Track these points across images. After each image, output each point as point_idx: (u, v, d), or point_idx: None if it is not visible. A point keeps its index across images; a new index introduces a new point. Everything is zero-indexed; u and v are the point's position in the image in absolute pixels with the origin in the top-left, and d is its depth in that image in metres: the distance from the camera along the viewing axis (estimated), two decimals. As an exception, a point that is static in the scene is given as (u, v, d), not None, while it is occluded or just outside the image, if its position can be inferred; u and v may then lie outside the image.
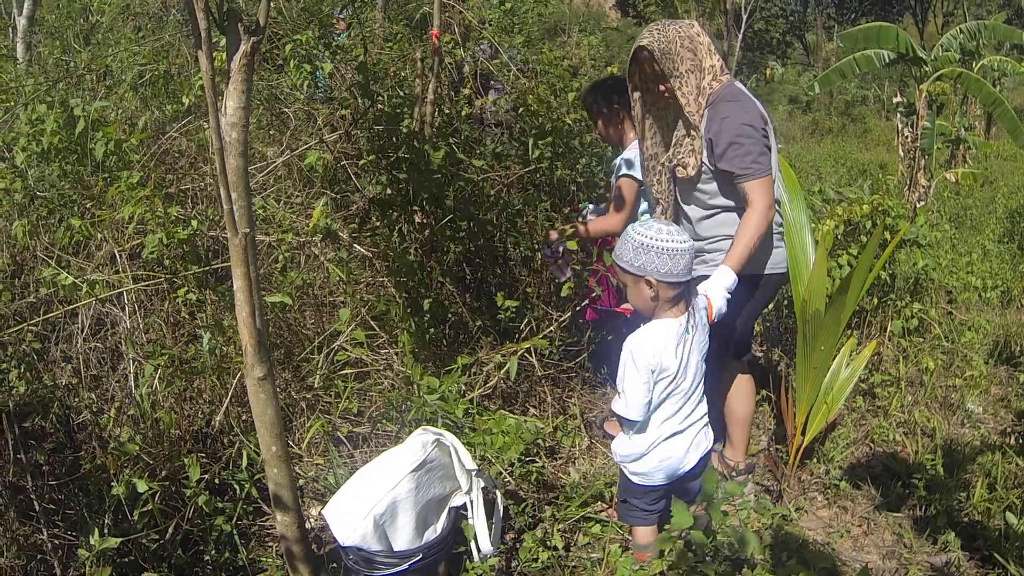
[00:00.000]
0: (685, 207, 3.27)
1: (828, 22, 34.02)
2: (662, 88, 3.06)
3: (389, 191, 3.15)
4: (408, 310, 3.18)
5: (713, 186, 3.10)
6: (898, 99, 10.43)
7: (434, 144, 3.25)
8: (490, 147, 4.66)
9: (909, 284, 4.85)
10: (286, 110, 4.34)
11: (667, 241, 2.39)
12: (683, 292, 2.49)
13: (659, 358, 2.44)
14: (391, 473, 2.47)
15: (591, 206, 3.95)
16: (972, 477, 3.87)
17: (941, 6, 34.39)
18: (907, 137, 9.94)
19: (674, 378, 2.48)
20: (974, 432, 4.59)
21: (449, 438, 2.41)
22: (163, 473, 2.80)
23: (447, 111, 4.75)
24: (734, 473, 3.66)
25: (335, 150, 3.57)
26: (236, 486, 2.93)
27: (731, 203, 3.13)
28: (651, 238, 2.39)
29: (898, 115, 10.44)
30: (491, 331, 3.85)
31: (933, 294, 5.15)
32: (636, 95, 3.20)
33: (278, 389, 3.38)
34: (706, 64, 2.99)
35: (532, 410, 3.80)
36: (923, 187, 9.25)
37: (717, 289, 2.85)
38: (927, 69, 9.76)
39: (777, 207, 3.11)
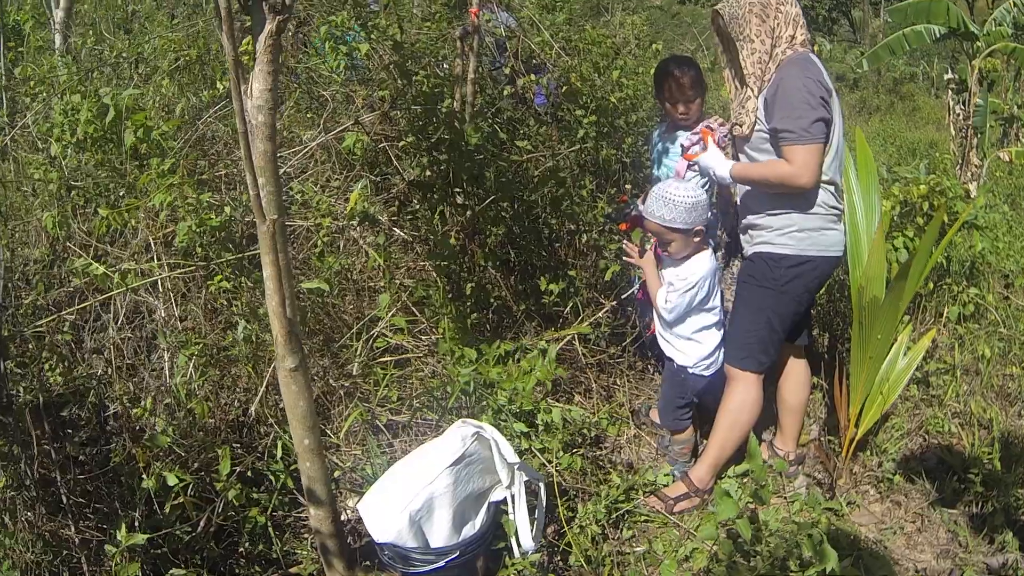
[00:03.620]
0: None
1: (874, -2, 33.16)
2: (732, 49, 3.10)
3: (429, 173, 3.06)
4: (449, 295, 3.11)
5: (767, 153, 3.03)
6: (949, 76, 10.08)
7: (475, 124, 3.16)
8: (534, 128, 4.54)
9: (965, 268, 4.66)
10: (324, 93, 4.27)
11: (702, 194, 3.20)
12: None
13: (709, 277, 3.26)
14: (429, 468, 2.39)
15: (639, 204, 3.84)
16: (1032, 472, 3.72)
17: (992, -21, 33.27)
18: (959, 115, 9.63)
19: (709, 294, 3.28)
20: (1029, 420, 4.43)
21: (490, 431, 2.32)
22: (196, 465, 2.76)
23: (489, 91, 4.65)
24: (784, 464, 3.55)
25: (372, 132, 3.49)
26: (271, 477, 2.87)
27: None
28: (695, 195, 3.14)
29: (949, 92, 10.08)
30: (535, 316, 3.76)
31: (990, 278, 4.94)
32: (719, 51, 3.28)
33: (315, 376, 3.34)
34: (784, 33, 2.95)
35: (577, 397, 3.71)
36: (975, 166, 8.97)
37: (709, 160, 3.22)
38: (979, 44, 9.42)
39: (834, 190, 3.03)
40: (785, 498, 3.44)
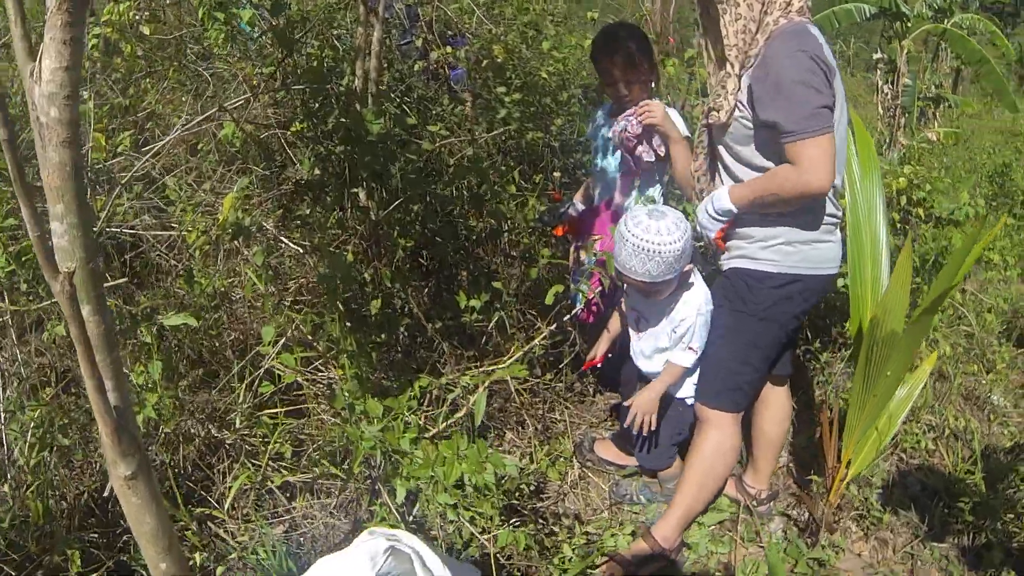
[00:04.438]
0: (723, 174, 2.57)
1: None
2: (712, 13, 2.43)
3: (318, 172, 2.37)
4: (348, 324, 2.44)
5: (750, 147, 2.40)
6: (878, 55, 9.84)
7: (379, 108, 2.49)
8: (449, 107, 3.89)
9: (929, 263, 4.23)
10: (201, 70, 3.55)
11: (686, 226, 2.53)
12: None
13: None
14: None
15: (576, 201, 3.19)
16: (1021, 494, 3.34)
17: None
18: (887, 95, 9.39)
19: None
20: (1003, 431, 4.08)
21: (407, 540, 1.67)
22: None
23: (397, 66, 3.98)
24: (754, 503, 3.03)
25: (259, 117, 2.79)
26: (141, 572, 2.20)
27: None
28: (681, 234, 2.49)
29: (878, 72, 9.85)
30: (455, 333, 3.13)
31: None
32: (703, 27, 2.61)
33: (194, 429, 2.67)
34: None
35: (509, 434, 3.10)
36: (902, 145, 8.76)
37: (701, 207, 2.55)
38: (909, 25, 9.17)
39: (832, 195, 2.43)
40: (761, 545, 2.93)
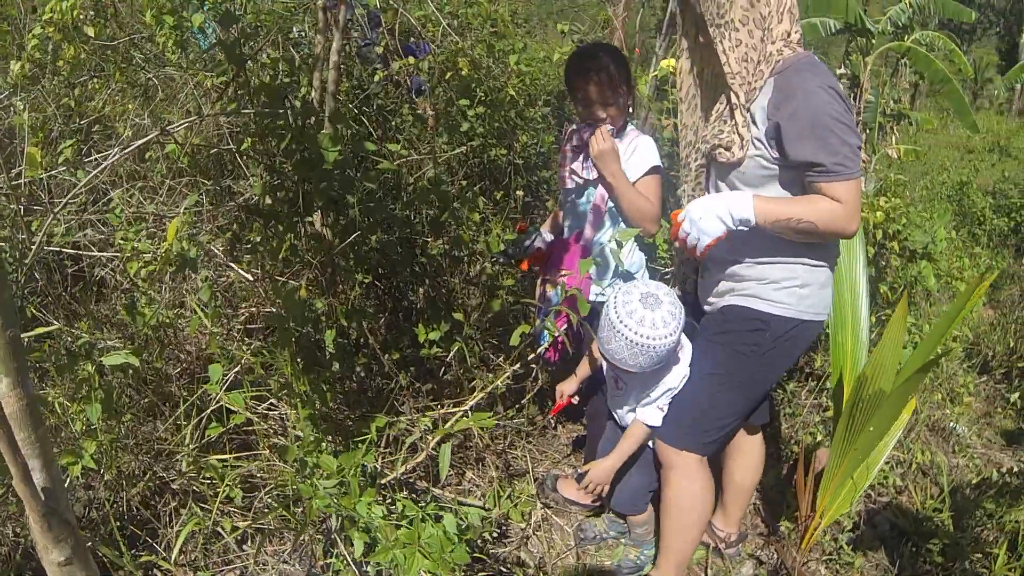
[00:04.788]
0: None
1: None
2: (702, 39, 2.25)
3: (269, 200, 2.17)
4: (300, 361, 2.26)
5: (774, 186, 2.19)
6: (841, 70, 9.84)
7: (336, 127, 2.30)
8: (408, 120, 3.70)
9: (897, 292, 4.16)
10: (151, 77, 3.34)
11: (680, 312, 2.32)
12: None
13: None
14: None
15: (544, 232, 2.99)
16: (987, 532, 3.29)
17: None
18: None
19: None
20: (968, 463, 4.05)
21: None
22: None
23: (357, 75, 3.79)
24: (723, 545, 2.91)
25: (195, 131, 2.59)
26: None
27: None
28: (674, 324, 2.29)
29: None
30: (412, 363, 2.95)
31: (920, 301, 4.50)
32: (684, 44, 2.40)
33: (137, 470, 2.47)
34: (776, 27, 2.12)
35: (469, 472, 2.93)
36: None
37: (713, 205, 2.15)
38: (874, 42, 9.17)
39: None
40: (729, 595, 2.81)
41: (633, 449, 2.57)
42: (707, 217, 2.13)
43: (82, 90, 3.39)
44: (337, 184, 2.10)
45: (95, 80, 3.38)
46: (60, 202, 2.30)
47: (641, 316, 2.27)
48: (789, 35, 2.14)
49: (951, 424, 4.34)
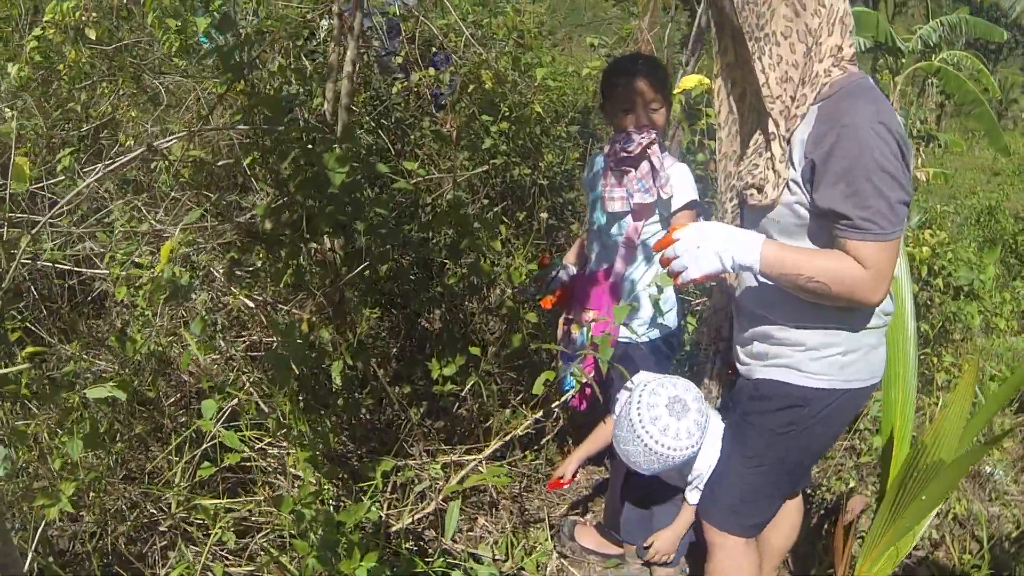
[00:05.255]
0: None
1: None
2: (741, 55, 1.94)
3: (269, 223, 1.98)
4: (301, 400, 2.07)
5: (804, 240, 1.86)
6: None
7: (347, 144, 2.11)
8: (429, 133, 3.50)
9: (936, 329, 3.93)
10: (157, 83, 3.19)
11: (705, 431, 2.20)
12: None
13: None
14: None
15: (568, 265, 2.73)
16: (1030, 595, 3.10)
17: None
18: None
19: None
20: (1007, 512, 3.82)
21: None
22: None
23: (375, 85, 3.61)
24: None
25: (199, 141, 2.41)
26: None
27: None
28: (699, 442, 2.17)
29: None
30: (424, 398, 2.76)
31: (962, 338, 4.26)
32: (720, 62, 2.06)
33: (126, 506, 2.30)
34: (826, 41, 1.79)
35: (482, 519, 2.73)
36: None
37: (714, 236, 1.82)
38: (904, 61, 8.97)
39: (890, 293, 1.93)
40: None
41: (691, 522, 2.44)
42: (704, 249, 1.81)
43: (89, 94, 3.24)
44: (346, 208, 1.91)
45: (104, 84, 3.23)
46: (41, 219, 2.11)
47: (665, 424, 2.12)
48: (840, 50, 1.82)
49: (987, 469, 4.12)
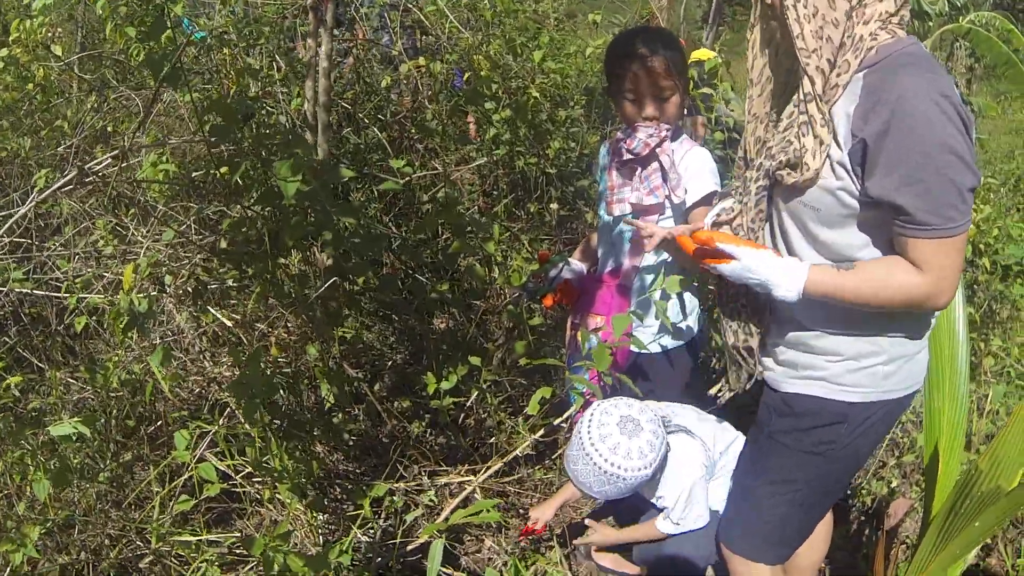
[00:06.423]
0: (785, 254, 1.70)
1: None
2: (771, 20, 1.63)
3: (224, 242, 1.79)
4: (281, 429, 1.89)
5: (845, 231, 1.59)
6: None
7: (326, 146, 1.92)
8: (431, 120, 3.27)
9: (981, 310, 3.65)
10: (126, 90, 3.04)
11: (660, 452, 2.04)
12: None
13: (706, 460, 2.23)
14: None
15: (573, 262, 2.47)
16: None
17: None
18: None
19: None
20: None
21: None
22: None
23: (365, 79, 3.42)
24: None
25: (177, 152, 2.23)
26: None
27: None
28: (653, 463, 2.02)
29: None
30: (419, 412, 2.58)
31: (1008, 316, 3.97)
32: (758, 6, 1.68)
33: (111, 537, 2.16)
34: (872, 3, 1.51)
35: (488, 540, 2.54)
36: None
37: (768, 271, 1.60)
38: (931, 24, 8.57)
39: None
40: None
41: (639, 540, 2.34)
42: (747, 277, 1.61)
43: (74, 110, 3.11)
44: (307, 220, 1.71)
45: (77, 100, 3.11)
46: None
47: (615, 443, 1.98)
48: (887, 11, 1.52)
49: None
